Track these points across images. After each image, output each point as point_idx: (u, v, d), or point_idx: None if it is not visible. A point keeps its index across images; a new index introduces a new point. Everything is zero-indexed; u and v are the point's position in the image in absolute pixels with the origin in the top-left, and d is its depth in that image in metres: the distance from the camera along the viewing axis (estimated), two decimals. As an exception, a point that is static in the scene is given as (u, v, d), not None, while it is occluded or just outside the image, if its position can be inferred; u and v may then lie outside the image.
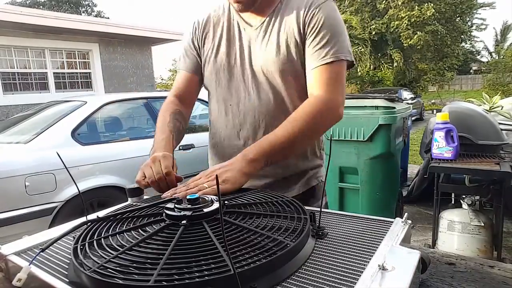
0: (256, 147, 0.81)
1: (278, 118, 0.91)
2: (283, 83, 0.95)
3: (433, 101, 19.89)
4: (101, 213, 0.66)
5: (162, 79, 26.89)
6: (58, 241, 0.56)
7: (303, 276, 0.43)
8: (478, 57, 29.52)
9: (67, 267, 0.49)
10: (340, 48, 0.90)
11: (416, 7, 18.10)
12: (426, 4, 17.87)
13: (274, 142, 0.82)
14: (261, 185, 0.98)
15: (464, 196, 2.32)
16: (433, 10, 17.61)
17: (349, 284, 0.40)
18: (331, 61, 0.89)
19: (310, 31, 0.91)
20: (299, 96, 0.96)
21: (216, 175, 0.42)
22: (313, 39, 0.90)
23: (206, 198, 0.58)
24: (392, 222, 0.58)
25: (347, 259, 0.46)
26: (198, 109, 4.51)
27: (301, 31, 0.92)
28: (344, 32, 0.93)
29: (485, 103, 3.28)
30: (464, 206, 2.31)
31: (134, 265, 0.44)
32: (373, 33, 19.28)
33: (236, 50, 1.00)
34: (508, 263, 0.62)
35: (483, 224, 2.17)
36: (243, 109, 0.99)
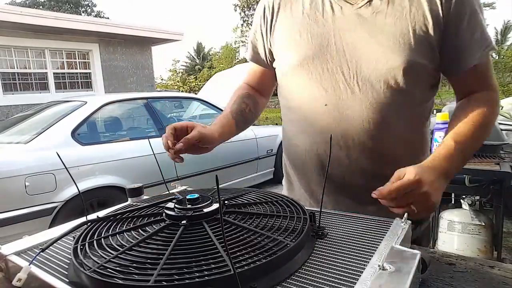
0: (450, 163, 0.67)
1: (394, 125, 0.76)
2: (406, 82, 0.73)
3: (433, 101, 19.82)
4: (101, 213, 0.66)
5: (162, 79, 26.89)
6: (58, 241, 0.56)
7: (303, 276, 0.43)
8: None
9: (67, 267, 0.49)
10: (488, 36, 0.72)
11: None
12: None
13: (462, 157, 0.69)
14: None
15: (464, 196, 2.32)
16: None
17: (349, 284, 0.40)
18: (487, 53, 0.72)
19: (458, 15, 0.70)
20: (420, 100, 0.78)
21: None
22: (467, 25, 0.70)
23: (206, 198, 0.58)
24: (392, 222, 0.58)
25: (347, 259, 0.46)
26: (198, 109, 4.52)
27: (440, 14, 0.70)
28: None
29: (485, 103, 3.27)
30: (464, 206, 2.31)
31: (134, 265, 0.44)
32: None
33: (327, 35, 0.77)
34: (508, 263, 0.62)
35: (483, 224, 2.17)
36: (345, 112, 0.76)
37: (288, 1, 0.84)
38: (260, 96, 1.00)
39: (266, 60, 0.93)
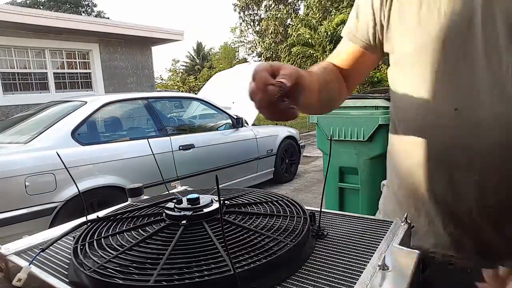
0: None
1: None
2: None
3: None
4: (101, 213, 0.66)
5: (162, 79, 26.89)
6: (58, 241, 0.56)
7: (303, 276, 0.43)
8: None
9: (67, 267, 0.49)
10: None
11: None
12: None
13: None
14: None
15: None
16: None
17: (348, 284, 0.40)
18: None
19: None
20: None
21: None
22: None
23: (206, 199, 0.58)
24: (392, 222, 0.58)
25: (346, 259, 0.46)
26: (198, 109, 4.52)
27: None
28: None
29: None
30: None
31: (134, 265, 0.44)
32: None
33: (475, 4, 0.52)
34: (508, 263, 0.62)
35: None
36: (485, 117, 0.52)
37: None
38: (348, 84, 0.75)
39: (373, 38, 0.68)
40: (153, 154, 0.82)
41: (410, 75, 0.61)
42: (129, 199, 0.78)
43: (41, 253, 0.51)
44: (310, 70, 0.66)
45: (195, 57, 32.23)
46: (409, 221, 0.56)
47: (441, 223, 0.62)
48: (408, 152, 0.63)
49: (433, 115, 0.57)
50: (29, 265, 0.47)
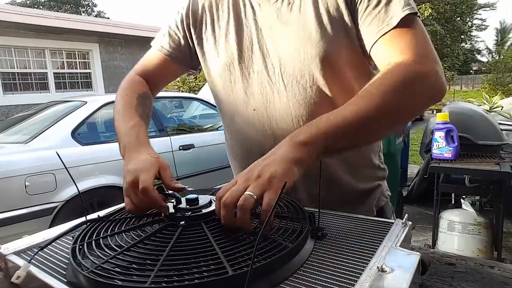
0: (308, 127, 0.55)
1: None
2: (330, 73, 0.69)
3: (433, 101, 19.80)
4: (101, 213, 0.66)
5: (162, 79, 26.77)
6: (58, 241, 0.56)
7: (302, 277, 0.43)
8: (479, 56, 29.54)
9: (65, 267, 0.49)
10: (402, 1, 0.63)
11: (415, 7, 18.09)
12: (424, 4, 17.87)
13: (336, 121, 0.55)
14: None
15: (464, 196, 2.32)
16: (430, 10, 17.59)
17: (347, 286, 0.40)
18: (402, 20, 0.62)
19: None
20: (351, 90, 0.70)
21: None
22: (368, 4, 0.65)
23: (205, 199, 0.57)
24: (392, 223, 0.57)
25: (346, 260, 0.46)
26: (198, 109, 4.52)
27: None
28: None
29: (485, 103, 3.28)
30: (464, 206, 2.31)
31: (132, 265, 0.44)
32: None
33: (251, 36, 0.75)
34: (508, 263, 0.62)
35: (483, 224, 2.17)
36: (274, 114, 0.74)
37: (214, 2, 0.81)
38: (153, 94, 0.89)
39: (186, 57, 0.86)
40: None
41: (225, 90, 0.81)
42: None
43: (40, 251, 0.51)
44: (138, 115, 0.78)
45: (195, 57, 32.15)
46: (410, 222, 0.56)
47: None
48: (239, 137, 0.84)
49: (245, 115, 0.79)
50: (28, 262, 0.48)
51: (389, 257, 0.45)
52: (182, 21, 0.84)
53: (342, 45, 0.69)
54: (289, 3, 0.71)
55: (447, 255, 0.63)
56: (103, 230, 0.56)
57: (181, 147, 3.36)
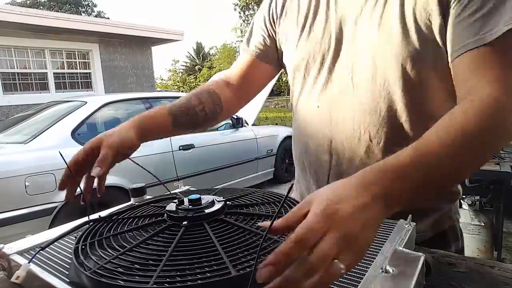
0: (398, 171, 0.41)
1: (391, 137, 0.65)
2: (406, 80, 0.62)
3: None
4: (103, 213, 0.66)
5: (162, 79, 26.89)
6: (60, 241, 0.56)
7: (304, 277, 0.43)
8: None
9: (68, 267, 0.49)
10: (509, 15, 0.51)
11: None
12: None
13: (423, 162, 0.43)
14: None
15: (464, 196, 2.32)
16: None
17: (350, 287, 0.40)
18: (501, 37, 0.50)
19: None
20: (431, 106, 0.63)
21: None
22: (465, 7, 0.54)
23: (208, 199, 0.58)
24: (395, 224, 0.57)
25: (348, 260, 0.46)
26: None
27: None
28: None
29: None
30: (464, 206, 2.31)
31: (135, 266, 0.44)
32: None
33: (331, 29, 0.69)
34: (508, 263, 0.62)
35: (483, 224, 2.17)
36: (336, 115, 0.70)
37: None
38: (235, 96, 0.88)
39: (272, 53, 0.84)
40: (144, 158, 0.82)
41: (299, 84, 0.79)
42: (132, 199, 0.78)
43: (40, 251, 0.51)
44: (168, 105, 0.78)
45: (195, 57, 32.23)
46: (414, 223, 0.56)
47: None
48: (296, 141, 0.86)
49: (310, 111, 0.76)
50: (29, 263, 0.48)
51: (392, 258, 0.44)
52: (264, 19, 0.83)
53: (427, 51, 0.59)
54: (376, 0, 0.63)
55: (447, 255, 0.63)
56: (105, 230, 0.56)
57: (181, 147, 3.36)
